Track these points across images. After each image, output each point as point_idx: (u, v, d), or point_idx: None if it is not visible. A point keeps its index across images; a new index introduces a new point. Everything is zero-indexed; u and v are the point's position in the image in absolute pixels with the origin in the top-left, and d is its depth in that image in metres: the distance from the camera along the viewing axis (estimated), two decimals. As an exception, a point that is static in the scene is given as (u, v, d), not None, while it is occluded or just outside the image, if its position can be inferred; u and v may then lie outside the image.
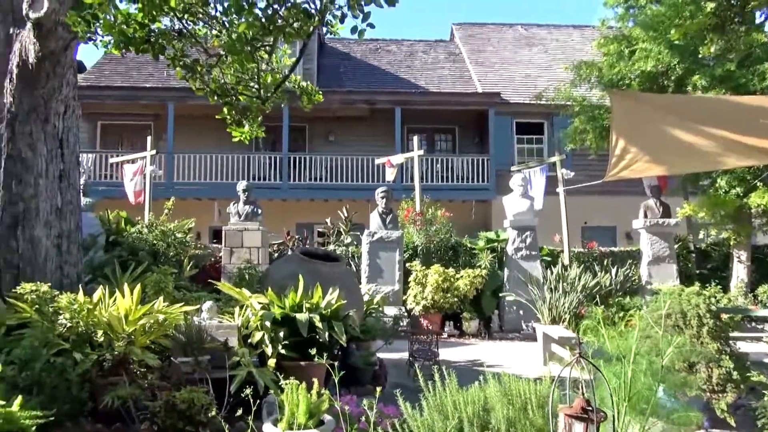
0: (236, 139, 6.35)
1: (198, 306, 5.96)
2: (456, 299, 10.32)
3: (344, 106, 17.65)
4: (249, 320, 5.57)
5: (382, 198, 11.16)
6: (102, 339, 4.98)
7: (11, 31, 6.27)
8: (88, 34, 4.27)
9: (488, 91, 18.36)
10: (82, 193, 9.54)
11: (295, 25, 4.05)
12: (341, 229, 12.33)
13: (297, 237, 12.48)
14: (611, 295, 10.67)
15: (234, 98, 5.62)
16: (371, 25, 3.88)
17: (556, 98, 14.01)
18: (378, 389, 3.37)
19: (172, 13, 4.30)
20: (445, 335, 10.20)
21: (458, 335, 10.54)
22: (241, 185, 10.86)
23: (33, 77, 6.13)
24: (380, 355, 7.02)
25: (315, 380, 3.65)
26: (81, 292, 5.51)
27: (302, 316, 5.29)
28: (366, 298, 7.83)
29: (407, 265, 10.91)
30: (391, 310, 9.16)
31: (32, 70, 6.08)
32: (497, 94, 17.87)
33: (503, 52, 21.64)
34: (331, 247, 11.68)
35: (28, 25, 5.89)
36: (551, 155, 13.34)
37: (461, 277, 10.52)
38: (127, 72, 17.86)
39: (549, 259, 11.55)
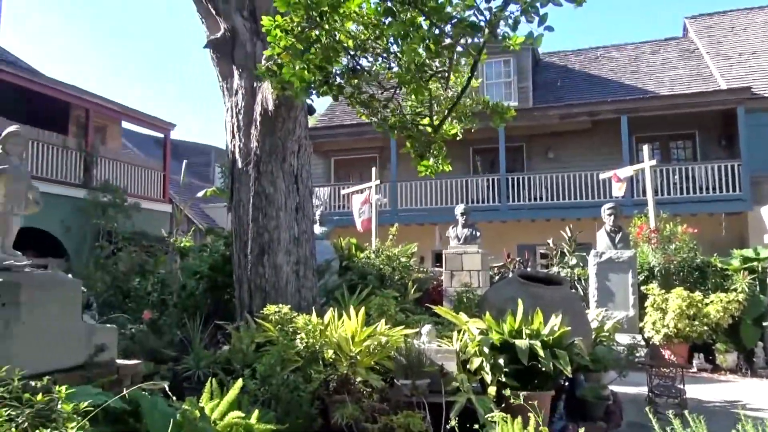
0: (422, 174, 6.11)
1: (417, 329, 6.03)
2: (705, 327, 8.96)
3: (563, 120, 16.86)
4: (467, 345, 5.45)
5: (610, 215, 10.28)
6: (333, 358, 5.30)
7: (254, 84, 7.19)
8: (279, 84, 4.55)
9: (735, 86, 15.93)
10: (318, 223, 10.58)
11: (463, 41, 3.80)
12: (565, 250, 11.64)
13: (518, 259, 12.12)
14: None
15: (415, 130, 5.54)
16: (549, 28, 3.44)
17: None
18: (610, 427, 2.96)
19: (346, 53, 4.36)
20: (693, 369, 8.90)
21: (710, 370, 9.11)
22: (459, 209, 10.93)
23: (272, 122, 6.94)
24: (613, 388, 6.33)
25: (533, 415, 3.35)
26: (314, 313, 5.97)
27: (522, 343, 5.00)
28: (594, 324, 7.18)
29: (642, 288, 9.82)
30: (624, 339, 8.29)
31: (271, 116, 6.90)
32: (747, 89, 15.40)
33: (752, 40, 18.66)
34: (554, 270, 11.07)
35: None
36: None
37: (711, 302, 9.13)
38: (354, 111, 19.49)
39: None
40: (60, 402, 2.56)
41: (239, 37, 7.26)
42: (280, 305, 6.08)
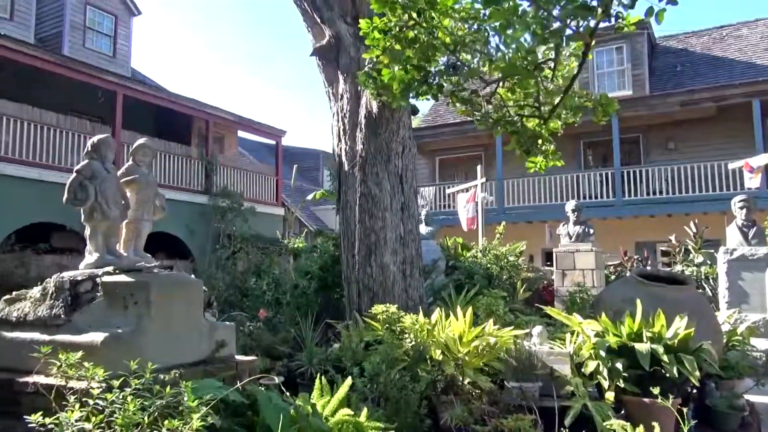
0: (531, 170, 5.97)
1: (528, 330, 5.85)
2: None
3: (685, 108, 15.64)
4: (581, 348, 5.21)
5: (742, 208, 9.37)
6: (440, 358, 5.27)
7: (359, 88, 7.33)
8: (377, 89, 4.54)
9: None
10: (424, 223, 10.60)
11: (574, 24, 3.52)
12: (689, 247, 10.79)
13: (636, 257, 11.40)
14: None
15: (519, 125, 5.31)
16: (673, 2, 3.08)
17: None
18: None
19: (445, 50, 4.25)
20: None
21: None
22: (570, 205, 10.48)
23: (376, 124, 7.04)
24: (749, 397, 5.77)
25: (656, 424, 3.12)
26: (421, 313, 5.98)
27: (642, 347, 4.69)
28: (726, 327, 6.59)
29: (782, 288, 8.85)
30: (761, 343, 7.52)
31: (375, 119, 7.00)
32: None
33: None
34: (678, 268, 10.31)
35: (371, 80, 6.80)
36: None
37: None
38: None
39: None
40: (186, 394, 2.74)
41: (343, 43, 7.43)
42: (388, 305, 6.14)
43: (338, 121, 7.59)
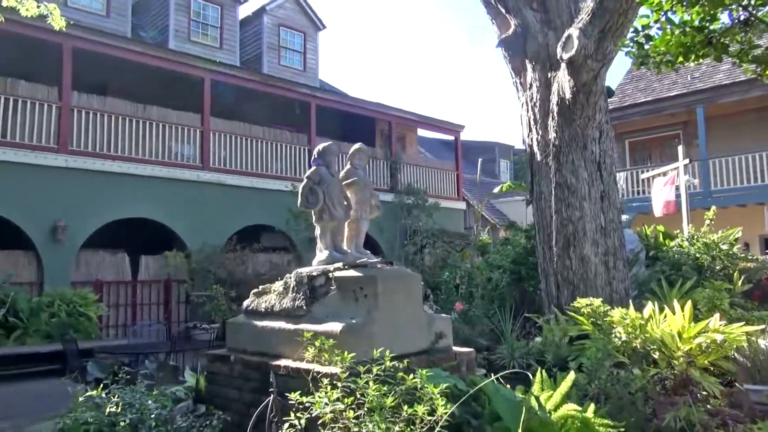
0: None
1: (762, 326, 5.22)
2: None
3: None
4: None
5: None
6: (658, 356, 4.93)
7: (549, 76, 7.12)
8: (641, 58, 4.31)
9: None
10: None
11: None
12: None
13: None
14: None
15: None
16: None
17: None
18: None
19: (735, 5, 3.89)
20: None
21: None
22: (799, 184, 9.11)
23: (570, 111, 6.77)
24: None
25: None
26: (631, 307, 5.63)
27: None
28: None
29: None
30: None
31: (568, 105, 6.74)
32: None
33: None
34: None
35: (562, 65, 6.58)
36: None
37: None
38: (647, 87, 17.83)
39: None
40: (422, 382, 2.90)
41: (530, 31, 7.27)
42: (591, 298, 5.91)
43: (528, 111, 7.45)
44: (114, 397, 3.21)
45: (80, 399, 3.30)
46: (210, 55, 14.52)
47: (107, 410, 3.06)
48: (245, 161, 13.51)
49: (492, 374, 5.96)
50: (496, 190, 10.86)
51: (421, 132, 20.84)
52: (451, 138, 19.39)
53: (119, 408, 3.07)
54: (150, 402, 3.37)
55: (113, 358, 7.10)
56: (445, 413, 2.65)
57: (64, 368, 8.67)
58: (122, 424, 2.98)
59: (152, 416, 3.21)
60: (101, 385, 3.48)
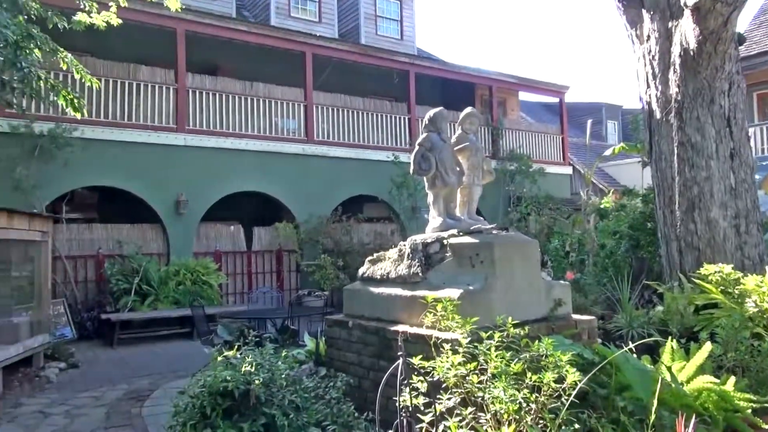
0: None
1: None
2: None
3: None
4: None
5: None
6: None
7: (669, 25, 6.56)
8: None
9: None
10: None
11: None
12: None
13: None
14: None
15: None
16: None
17: None
18: None
19: None
20: None
21: None
22: None
23: (695, 62, 6.23)
24: None
25: None
26: (767, 274, 5.18)
27: None
28: None
29: None
30: None
31: (693, 55, 6.20)
32: None
33: None
34: None
35: (686, 12, 6.03)
36: None
37: None
38: (781, 31, 16.02)
39: None
40: (546, 350, 2.83)
41: (648, -23, 6.72)
42: (720, 265, 5.50)
43: (645, 65, 6.93)
44: (248, 357, 3.42)
45: (218, 359, 3.55)
46: (309, 29, 14.76)
47: (243, 369, 3.27)
48: (347, 133, 13.73)
49: (610, 343, 5.76)
50: (607, 152, 10.25)
51: (523, 96, 20.10)
52: (555, 100, 18.55)
53: (253, 368, 3.27)
54: (279, 363, 3.56)
55: (238, 322, 7.59)
56: (575, 382, 2.57)
57: (191, 331, 9.41)
58: (257, 382, 3.18)
59: (282, 376, 3.40)
60: (235, 347, 3.72)
